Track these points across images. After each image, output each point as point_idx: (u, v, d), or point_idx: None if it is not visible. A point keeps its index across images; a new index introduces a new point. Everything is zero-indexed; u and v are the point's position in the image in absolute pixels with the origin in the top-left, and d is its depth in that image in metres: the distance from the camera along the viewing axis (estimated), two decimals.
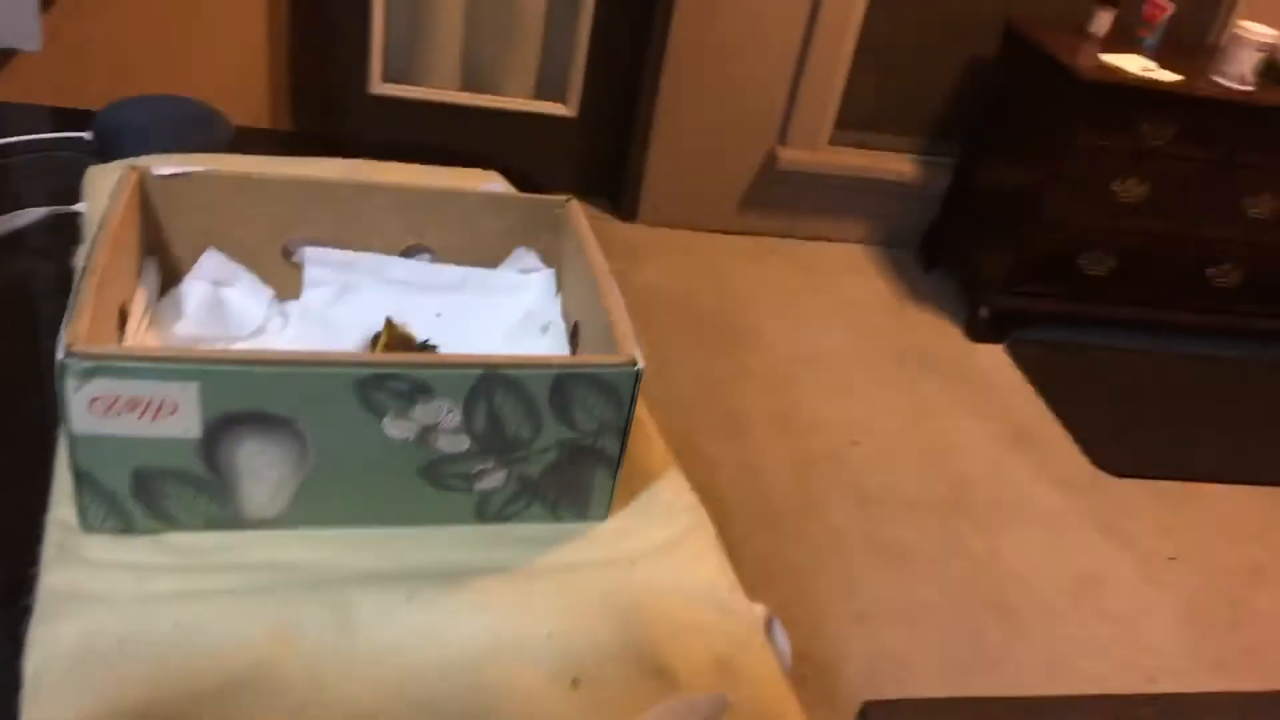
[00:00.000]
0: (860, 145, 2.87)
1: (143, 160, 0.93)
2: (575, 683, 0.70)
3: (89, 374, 0.66)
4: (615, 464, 0.81)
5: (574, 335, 0.93)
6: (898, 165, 2.87)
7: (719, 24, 2.58)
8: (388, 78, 2.69)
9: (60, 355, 0.65)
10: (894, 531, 1.97)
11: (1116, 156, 2.42)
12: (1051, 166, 2.43)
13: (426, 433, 0.74)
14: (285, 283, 0.96)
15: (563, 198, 0.98)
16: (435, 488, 0.78)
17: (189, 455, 0.71)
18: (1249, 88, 2.40)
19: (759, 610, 0.80)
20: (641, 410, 0.89)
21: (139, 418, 0.69)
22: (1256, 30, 2.39)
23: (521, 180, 1.26)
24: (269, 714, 0.64)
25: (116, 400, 0.68)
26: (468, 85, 2.73)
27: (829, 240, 2.98)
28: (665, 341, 2.16)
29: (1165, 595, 1.94)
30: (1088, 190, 2.46)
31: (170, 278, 0.93)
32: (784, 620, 0.82)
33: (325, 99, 2.69)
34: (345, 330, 0.93)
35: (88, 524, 0.73)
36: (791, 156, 2.78)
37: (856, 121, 2.84)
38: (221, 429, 0.71)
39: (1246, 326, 2.74)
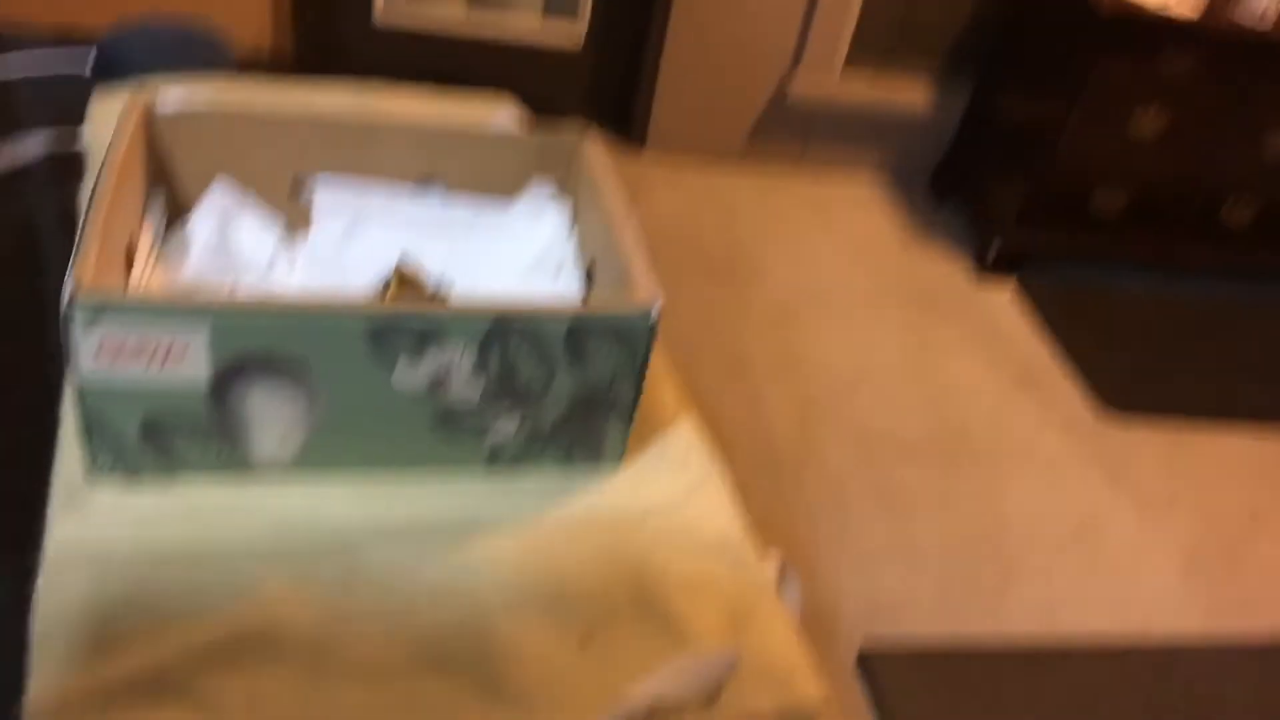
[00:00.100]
0: (874, 76, 2.81)
1: (147, 85, 0.90)
2: (586, 638, 0.70)
3: (97, 317, 0.64)
4: (629, 412, 0.80)
5: (589, 273, 0.91)
6: (911, 97, 2.81)
7: None
8: (392, 8, 2.62)
9: (68, 298, 0.64)
10: (894, 473, 1.97)
11: (1133, 91, 2.37)
12: (1067, 100, 2.39)
13: (438, 380, 0.73)
14: (294, 217, 0.94)
15: (579, 129, 0.96)
16: (446, 435, 0.77)
17: (198, 401, 0.70)
18: (1269, 24, 2.35)
19: (771, 561, 0.79)
20: (656, 356, 0.87)
21: (147, 363, 0.67)
22: None
23: (531, 109, 1.23)
24: (278, 668, 0.64)
25: (125, 344, 0.66)
26: (475, 5, 2.66)
27: (840, 172, 2.93)
28: (668, 276, 2.12)
29: (1165, 540, 1.95)
30: (1103, 125, 2.42)
31: (177, 211, 0.91)
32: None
33: (327, 34, 2.62)
34: (356, 270, 0.91)
35: (96, 470, 0.72)
36: (803, 87, 2.72)
37: (870, 52, 2.78)
38: (231, 375, 0.69)
39: (1260, 267, 2.72)
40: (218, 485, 0.74)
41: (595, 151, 0.93)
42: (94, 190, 0.73)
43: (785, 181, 2.85)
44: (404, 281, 0.89)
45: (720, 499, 0.83)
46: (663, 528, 0.79)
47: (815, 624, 1.56)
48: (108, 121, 0.85)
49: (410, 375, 0.72)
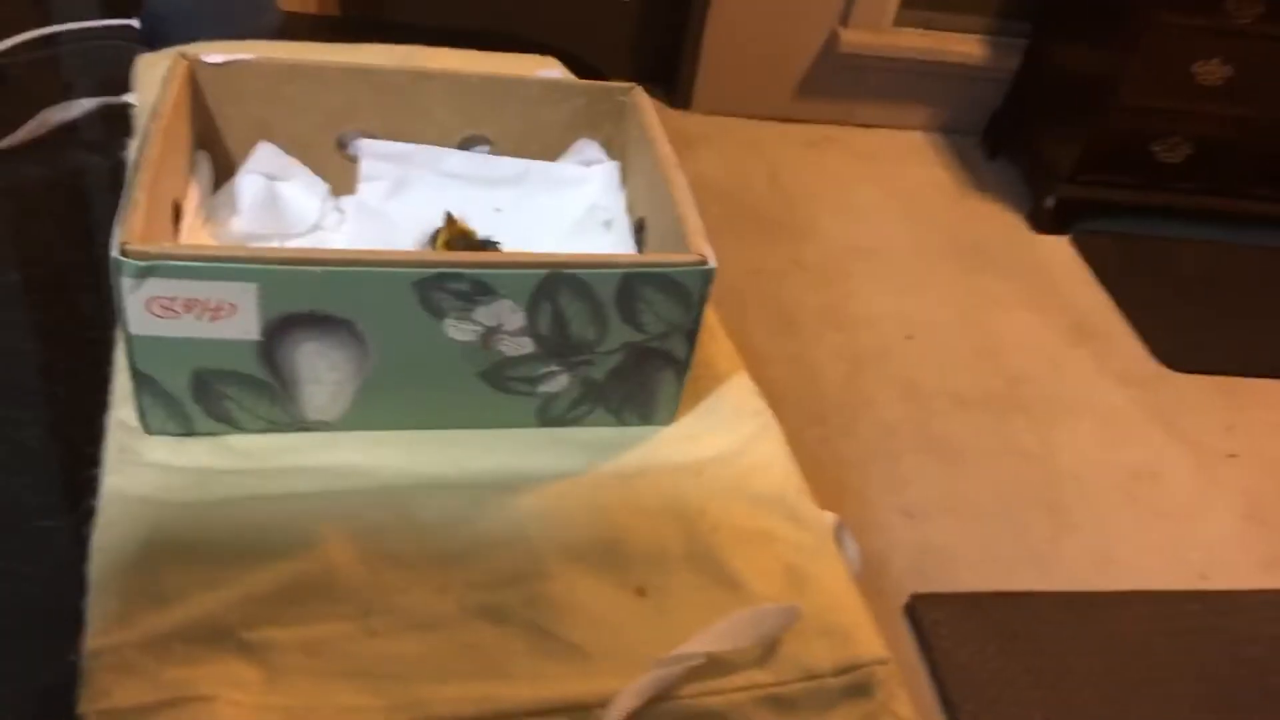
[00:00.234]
0: (927, 26, 2.75)
1: (192, 48, 0.89)
2: (642, 591, 0.69)
3: (145, 273, 0.64)
4: (683, 367, 0.79)
5: (639, 231, 0.90)
6: (965, 47, 2.75)
7: None
8: None
9: (115, 253, 0.64)
10: (945, 427, 1.94)
11: (1198, 37, 2.30)
12: (1128, 47, 2.32)
13: (489, 335, 0.72)
14: (339, 176, 0.94)
15: (627, 84, 0.94)
16: (497, 391, 0.76)
17: (248, 357, 0.70)
18: None
19: (828, 517, 0.78)
20: (709, 311, 0.86)
21: (197, 319, 0.67)
22: None
23: (578, 67, 1.21)
24: (332, 620, 0.64)
25: (174, 301, 0.66)
26: None
27: (889, 127, 2.88)
28: (716, 233, 2.11)
29: (1222, 492, 1.91)
30: (1166, 73, 2.35)
31: (224, 172, 0.90)
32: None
33: None
34: (403, 226, 0.90)
35: (148, 427, 0.73)
36: (854, 38, 2.67)
37: (922, 3, 2.72)
38: (281, 330, 0.69)
39: None
40: (270, 439, 0.74)
41: (645, 106, 0.91)
42: (140, 149, 0.73)
43: (834, 137, 2.80)
44: (454, 234, 0.88)
45: (776, 454, 0.81)
46: (718, 481, 0.78)
47: (865, 576, 1.55)
48: (154, 83, 0.85)
49: (461, 329, 0.71)
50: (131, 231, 0.65)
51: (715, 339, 0.90)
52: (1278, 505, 1.90)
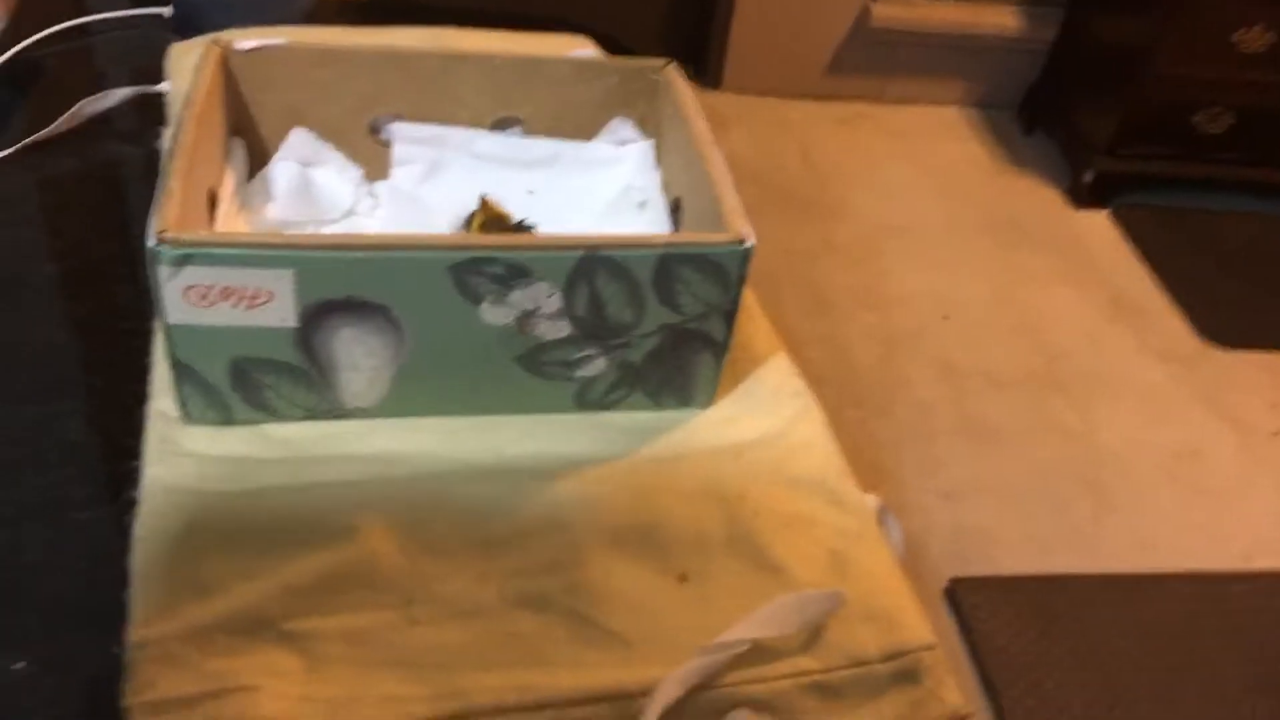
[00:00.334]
0: (960, 1, 2.71)
1: (224, 35, 0.89)
2: (683, 577, 0.69)
3: (182, 261, 0.64)
4: (721, 349, 0.78)
5: (675, 211, 0.89)
6: (999, 18, 2.70)
7: None
8: None
9: (151, 242, 0.63)
10: (983, 406, 1.92)
11: (1238, 4, 2.25)
12: (1166, 15, 2.28)
13: (525, 318, 0.71)
14: (372, 160, 0.93)
15: (660, 61, 0.93)
16: (534, 375, 0.75)
17: (286, 345, 0.69)
18: None
19: (871, 500, 0.77)
20: (746, 291, 0.85)
21: (234, 306, 0.67)
22: None
23: (610, 46, 1.20)
24: (374, 609, 0.64)
25: (211, 289, 0.66)
26: None
27: (922, 103, 2.84)
28: (749, 213, 2.10)
29: (1267, 471, 1.87)
30: (1205, 41, 2.30)
31: (257, 159, 0.90)
32: None
33: None
34: (437, 210, 0.90)
35: (188, 416, 0.73)
36: (885, 12, 2.63)
37: None
38: (317, 317, 0.68)
39: None
40: (308, 427, 0.74)
41: (678, 83, 0.90)
42: (174, 137, 0.73)
43: (867, 114, 2.77)
44: (489, 217, 0.87)
45: (817, 436, 0.80)
46: (759, 464, 0.77)
47: (906, 559, 1.54)
48: (187, 71, 0.84)
49: (497, 312, 0.70)
50: (167, 220, 0.64)
51: (753, 320, 0.89)
52: None
